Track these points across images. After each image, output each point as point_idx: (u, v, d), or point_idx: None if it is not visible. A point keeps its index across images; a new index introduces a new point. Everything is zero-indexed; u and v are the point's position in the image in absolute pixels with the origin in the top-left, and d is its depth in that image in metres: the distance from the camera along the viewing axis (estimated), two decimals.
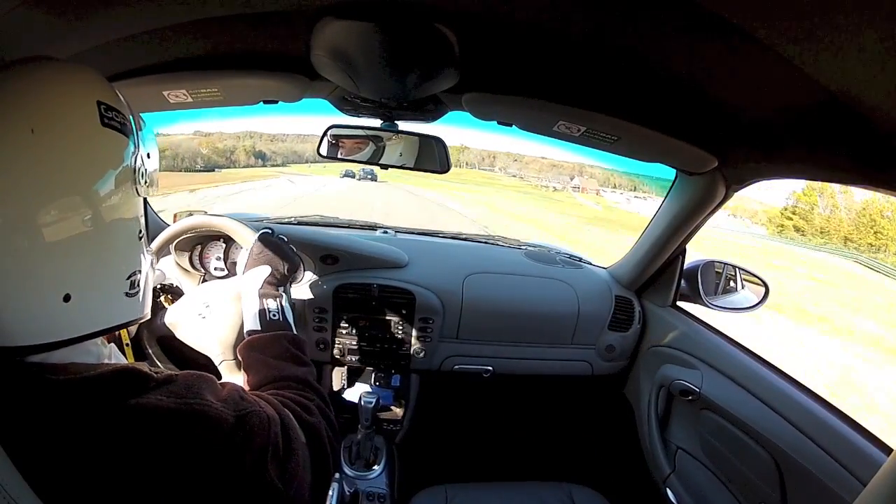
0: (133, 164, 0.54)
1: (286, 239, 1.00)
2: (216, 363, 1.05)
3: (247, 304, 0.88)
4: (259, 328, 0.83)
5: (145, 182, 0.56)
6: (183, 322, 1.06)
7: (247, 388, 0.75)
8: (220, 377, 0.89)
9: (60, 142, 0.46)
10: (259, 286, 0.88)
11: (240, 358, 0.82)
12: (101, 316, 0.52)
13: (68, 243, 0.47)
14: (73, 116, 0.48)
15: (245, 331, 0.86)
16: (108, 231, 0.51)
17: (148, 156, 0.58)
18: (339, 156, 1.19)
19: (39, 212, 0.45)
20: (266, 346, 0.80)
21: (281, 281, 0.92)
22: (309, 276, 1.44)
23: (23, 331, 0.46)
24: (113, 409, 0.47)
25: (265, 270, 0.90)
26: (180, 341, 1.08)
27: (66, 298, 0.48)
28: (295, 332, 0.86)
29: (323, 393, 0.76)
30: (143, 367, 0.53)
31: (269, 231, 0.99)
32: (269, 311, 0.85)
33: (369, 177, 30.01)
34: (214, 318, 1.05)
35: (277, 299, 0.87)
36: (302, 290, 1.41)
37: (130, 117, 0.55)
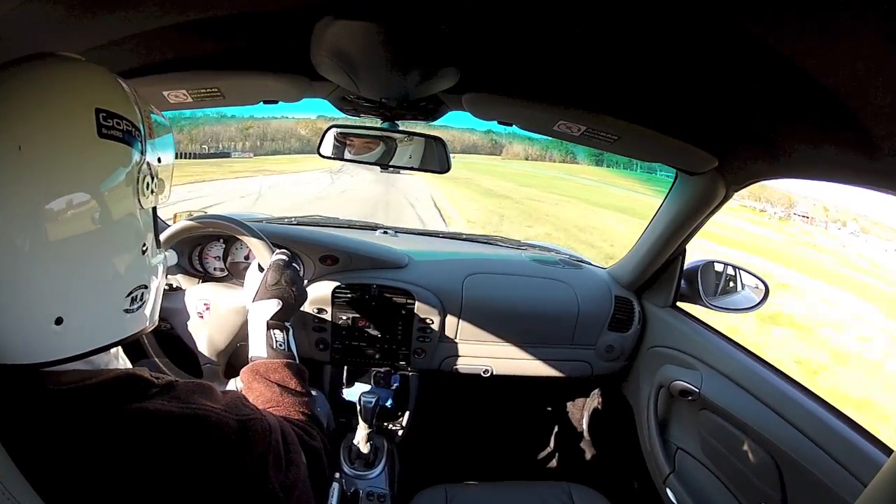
0: (136, 174, 0.49)
1: (299, 268, 1.00)
2: (200, 364, 1.06)
3: (254, 331, 0.89)
4: (265, 356, 0.85)
5: (151, 191, 0.52)
6: (180, 312, 1.07)
7: None
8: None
9: (50, 158, 0.43)
10: (269, 316, 0.89)
11: (241, 379, 0.84)
12: (96, 335, 0.50)
13: (59, 263, 0.45)
14: (67, 129, 0.44)
15: (250, 356, 0.87)
16: (102, 250, 0.48)
17: (158, 160, 0.53)
18: (345, 156, 1.15)
19: (27, 229, 0.43)
20: (271, 371, 0.81)
21: (287, 317, 0.93)
22: (309, 277, 1.44)
23: (14, 351, 0.45)
24: (115, 415, 0.47)
25: (276, 304, 0.91)
26: (174, 333, 1.08)
27: (58, 321, 0.45)
28: (298, 362, 0.88)
29: (321, 422, 0.79)
30: (144, 372, 0.53)
31: (286, 258, 0.99)
32: (276, 341, 0.87)
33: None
34: (212, 321, 1.05)
35: (284, 332, 0.89)
36: None
37: (139, 119, 0.51)
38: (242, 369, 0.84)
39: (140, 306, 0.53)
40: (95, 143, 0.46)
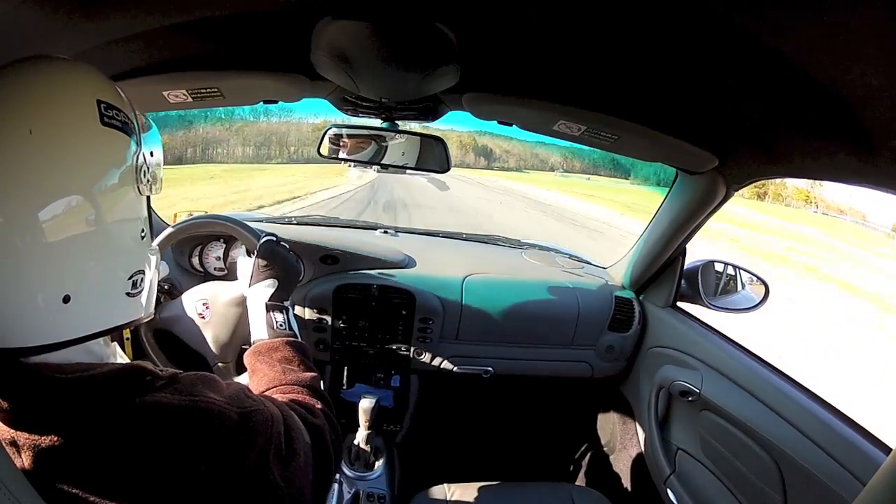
0: (135, 162, 0.53)
1: (288, 246, 1.01)
2: (210, 364, 1.06)
3: (254, 315, 0.89)
4: (266, 338, 0.85)
5: (147, 181, 0.55)
6: (181, 318, 1.07)
7: (253, 390, 0.76)
8: None
9: (59, 142, 0.46)
10: (266, 298, 0.89)
11: (245, 363, 0.83)
12: (102, 316, 0.51)
13: (68, 244, 0.46)
14: (73, 116, 0.47)
15: (252, 341, 0.87)
16: (108, 231, 0.50)
17: (151, 154, 0.57)
18: (340, 156, 1.18)
19: (39, 213, 0.44)
20: (273, 350, 0.81)
21: (286, 295, 0.93)
22: (309, 277, 1.44)
23: (23, 332, 0.46)
24: (120, 406, 0.47)
25: (272, 284, 0.91)
26: (177, 337, 1.08)
27: (66, 300, 0.47)
28: (300, 340, 0.87)
29: (327, 398, 0.78)
30: (149, 365, 0.53)
31: (273, 238, 0.99)
32: (277, 322, 0.87)
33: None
34: (213, 319, 1.05)
35: (283, 312, 0.89)
36: (302, 290, 1.41)
37: (133, 115, 0.54)
38: (245, 353, 0.84)
39: (139, 292, 0.56)
40: (99, 130, 0.49)
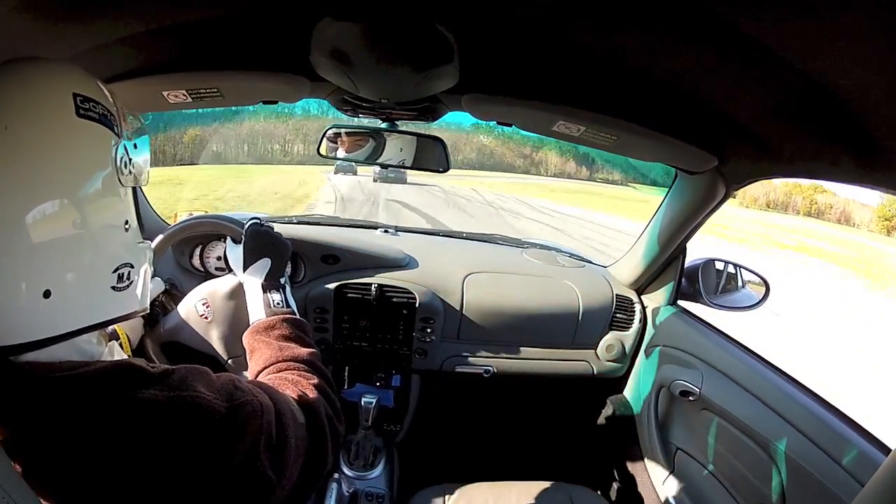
0: (114, 154, 0.53)
1: (273, 227, 1.02)
2: (223, 363, 1.06)
3: (251, 298, 0.90)
4: (264, 318, 0.86)
5: (129, 172, 0.55)
6: (185, 326, 1.07)
7: (251, 371, 0.78)
8: None
9: (36, 136, 0.46)
10: (261, 279, 0.90)
11: (244, 344, 0.84)
12: (86, 311, 0.51)
13: (46, 237, 0.46)
14: (48, 109, 0.47)
15: (251, 322, 0.88)
16: (87, 222, 0.50)
17: (135, 146, 0.56)
18: (337, 155, 1.20)
19: (15, 206, 0.44)
20: (270, 329, 0.82)
21: (280, 271, 0.94)
22: (310, 276, 1.44)
23: (6, 330, 0.46)
24: (110, 403, 0.47)
25: (265, 263, 0.92)
26: (186, 346, 1.08)
27: (46, 294, 0.46)
28: (297, 316, 0.88)
29: (326, 373, 0.78)
30: (141, 362, 0.53)
31: (258, 221, 1.01)
32: (274, 302, 0.88)
33: (391, 175, 20.44)
34: (217, 316, 1.05)
35: (280, 290, 0.90)
36: (302, 290, 1.41)
37: (115, 108, 0.54)
38: (244, 334, 0.84)
39: (128, 286, 0.55)
40: (76, 122, 0.49)
